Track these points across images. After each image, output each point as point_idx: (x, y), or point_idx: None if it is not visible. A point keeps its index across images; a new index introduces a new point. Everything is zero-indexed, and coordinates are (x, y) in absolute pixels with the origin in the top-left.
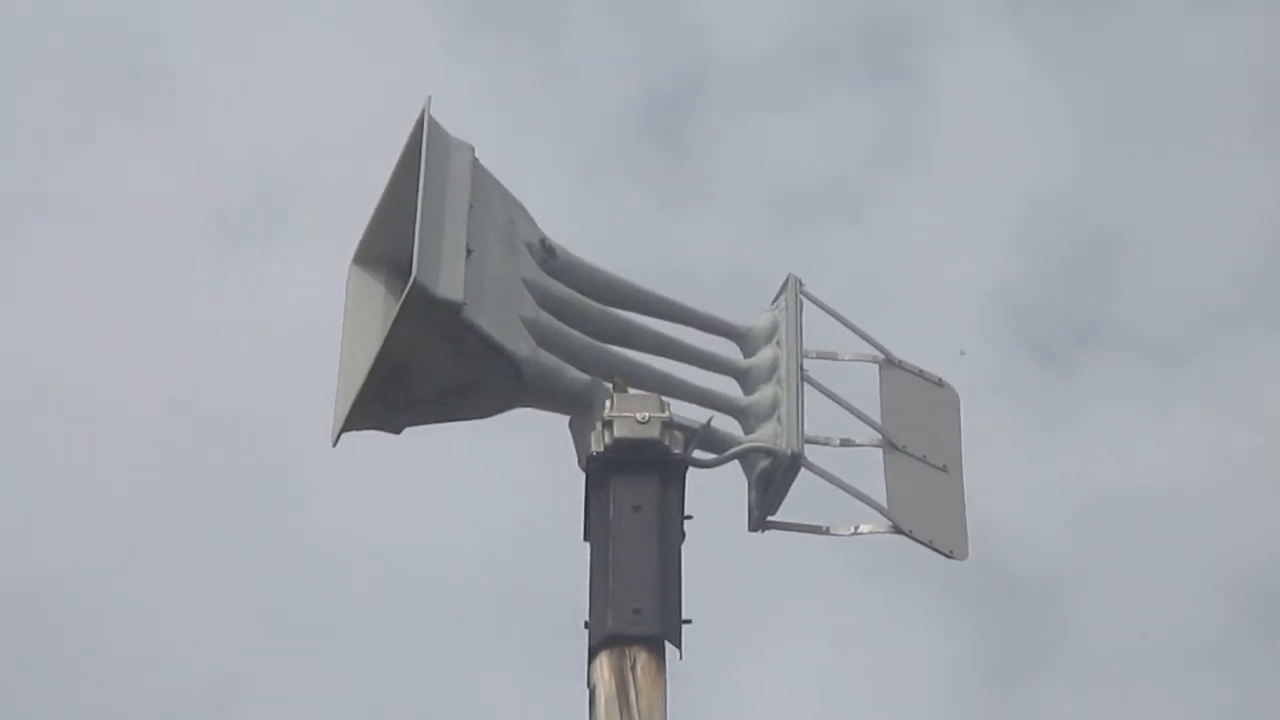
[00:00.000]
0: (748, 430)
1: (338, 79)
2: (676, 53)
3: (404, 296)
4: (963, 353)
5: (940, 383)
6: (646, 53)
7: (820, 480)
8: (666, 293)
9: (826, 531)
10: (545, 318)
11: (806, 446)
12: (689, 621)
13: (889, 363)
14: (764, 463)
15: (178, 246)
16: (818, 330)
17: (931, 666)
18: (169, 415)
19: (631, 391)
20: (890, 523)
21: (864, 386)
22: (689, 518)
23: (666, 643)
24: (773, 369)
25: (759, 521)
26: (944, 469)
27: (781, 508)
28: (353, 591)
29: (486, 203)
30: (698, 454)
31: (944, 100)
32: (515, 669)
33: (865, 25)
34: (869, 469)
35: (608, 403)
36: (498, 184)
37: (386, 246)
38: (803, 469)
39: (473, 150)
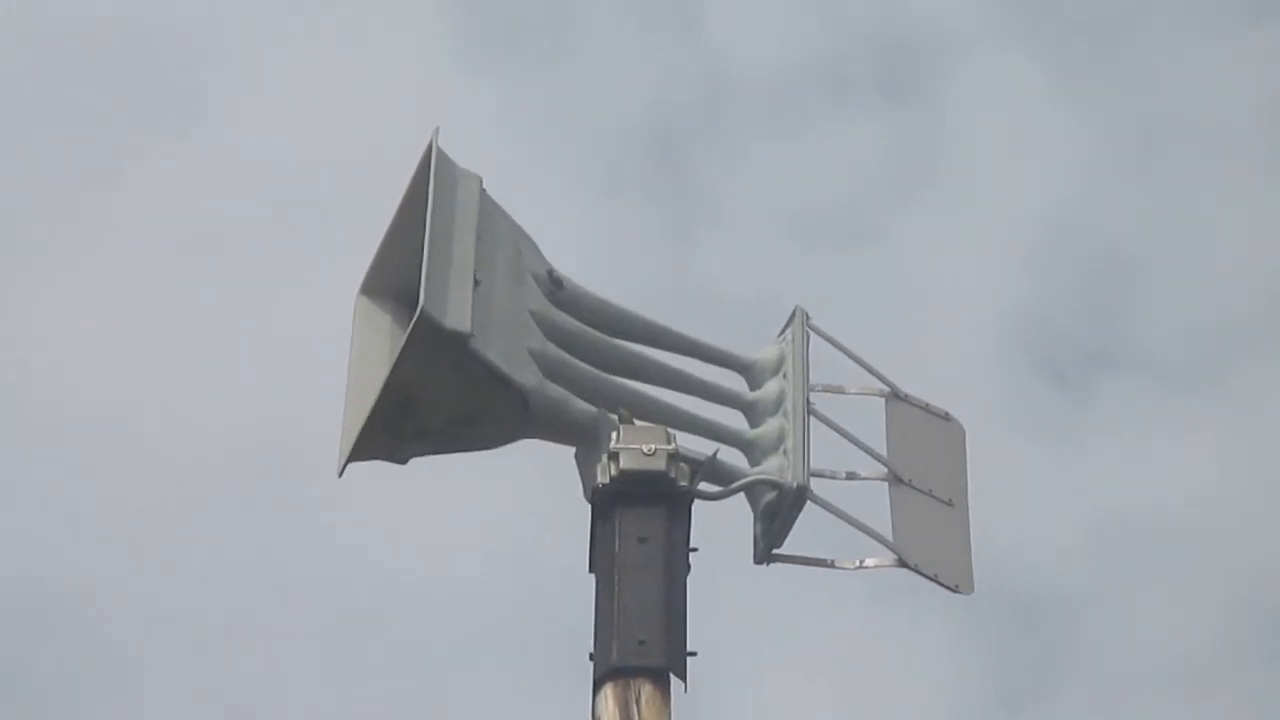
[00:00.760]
0: (753, 463)
1: (353, 100)
2: (688, 75)
3: (411, 327)
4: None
5: (947, 417)
6: (658, 74)
7: (826, 514)
8: (674, 322)
9: (832, 565)
10: (552, 349)
11: (812, 480)
12: (694, 654)
13: (895, 396)
14: (770, 495)
15: (195, 260)
16: (824, 363)
17: (942, 692)
18: (189, 435)
19: (638, 423)
20: (896, 556)
21: (870, 420)
22: (695, 550)
23: (671, 675)
24: (779, 402)
25: (764, 554)
26: (950, 503)
27: (787, 541)
28: (359, 621)
29: (494, 233)
30: (704, 486)
31: (957, 122)
32: (520, 700)
33: (878, 47)
34: (875, 503)
35: (614, 434)
36: (505, 215)
37: (394, 277)
38: (808, 502)
39: (480, 181)
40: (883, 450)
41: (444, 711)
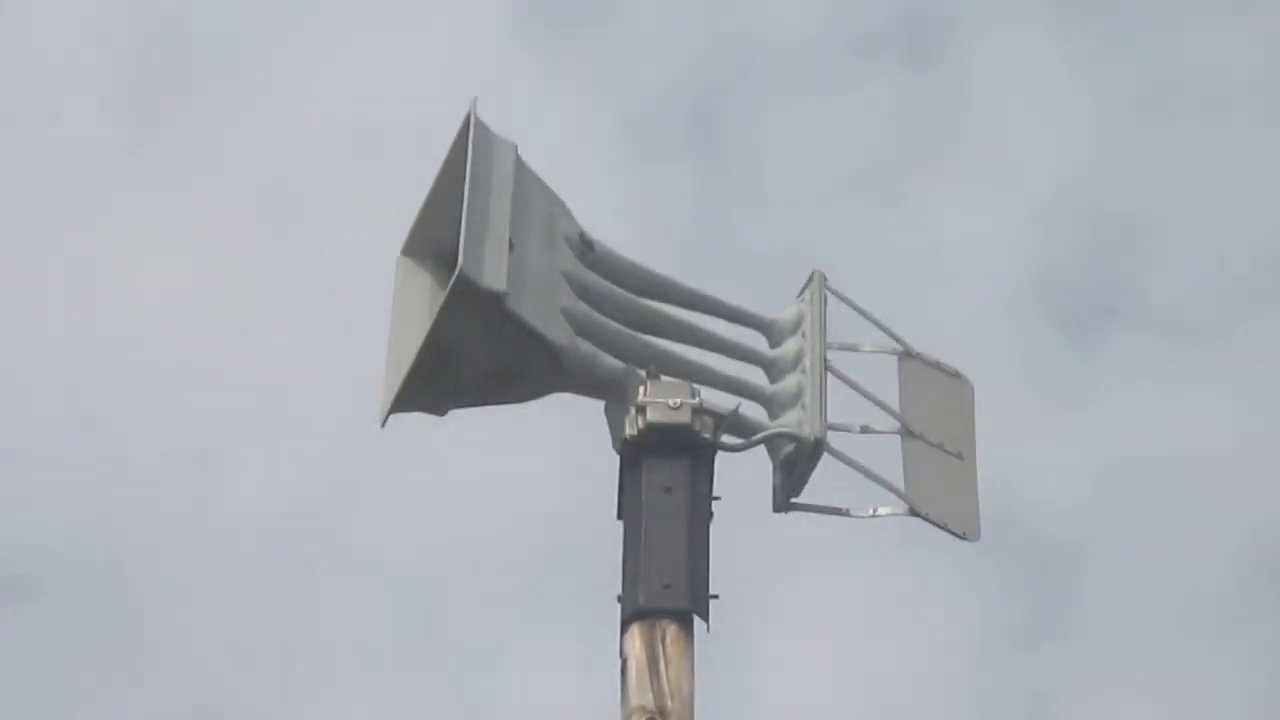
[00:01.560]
0: (773, 417)
1: (404, 69)
2: (723, 42)
3: (450, 286)
4: None
5: (957, 374)
6: (693, 43)
7: (842, 465)
8: (701, 282)
9: (846, 513)
10: (583, 308)
11: (829, 433)
12: (716, 597)
13: (908, 355)
14: (788, 448)
15: (248, 220)
16: (841, 322)
17: (956, 633)
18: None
19: (664, 379)
20: (907, 506)
21: (884, 377)
22: (717, 499)
23: (695, 616)
24: (797, 359)
25: (783, 503)
26: (959, 456)
27: (804, 490)
28: (403, 567)
29: (528, 199)
30: (726, 439)
31: (975, 89)
32: (554, 639)
33: (903, 17)
34: (888, 455)
35: (641, 389)
36: (539, 181)
37: (433, 239)
38: (825, 454)
39: (515, 148)
40: (896, 405)
41: (486, 649)
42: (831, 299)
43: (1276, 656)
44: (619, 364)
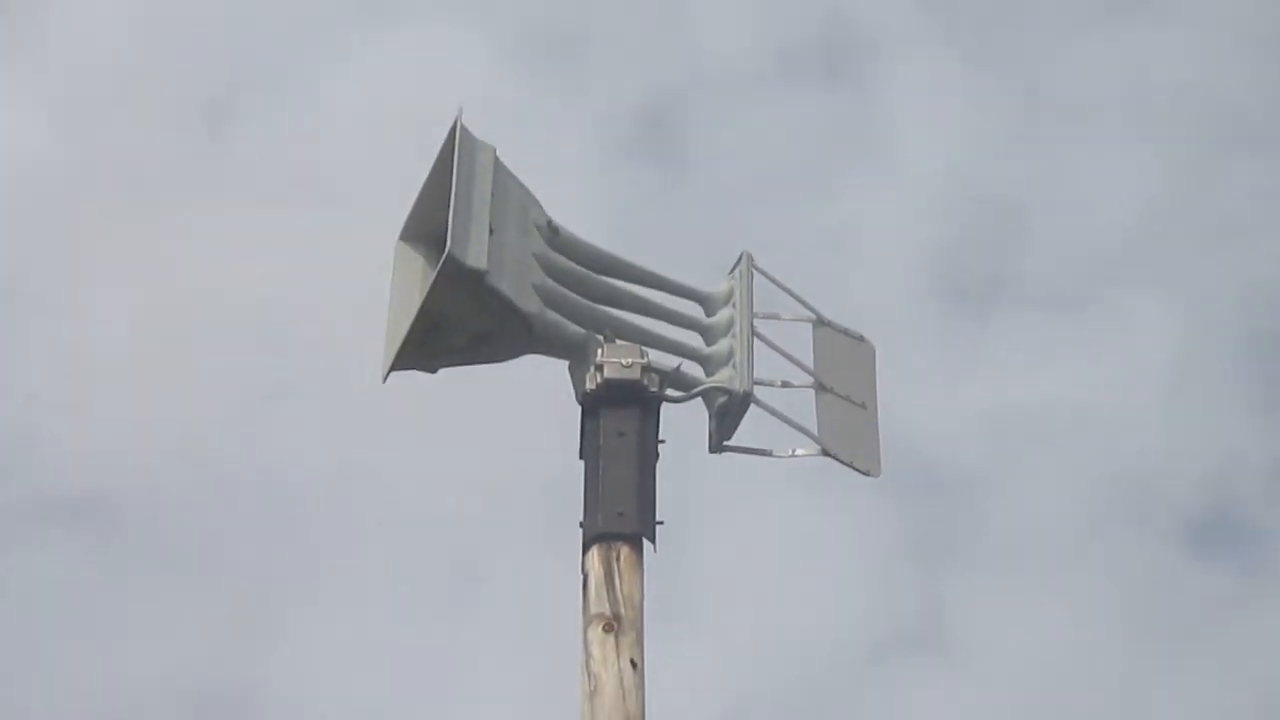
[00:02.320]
0: (709, 374)
1: (406, 86)
2: (675, 62)
3: (440, 265)
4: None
5: (861, 338)
6: (651, 61)
7: (766, 414)
8: (650, 262)
9: (770, 454)
10: (550, 284)
11: (755, 387)
12: (661, 523)
13: (820, 322)
14: (722, 399)
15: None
16: (765, 295)
17: (863, 553)
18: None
19: (618, 342)
20: (820, 447)
21: (801, 341)
22: (663, 442)
23: (644, 539)
24: (729, 326)
25: (717, 445)
26: (863, 406)
27: (735, 435)
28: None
29: (505, 192)
30: (670, 392)
31: (883, 98)
32: (528, 559)
33: (823, 40)
34: (804, 406)
35: (599, 351)
36: (514, 177)
37: (426, 226)
38: (752, 405)
39: (494, 150)
40: (810, 364)
41: (475, 567)
42: (757, 275)
43: (1128, 567)
44: (581, 330)
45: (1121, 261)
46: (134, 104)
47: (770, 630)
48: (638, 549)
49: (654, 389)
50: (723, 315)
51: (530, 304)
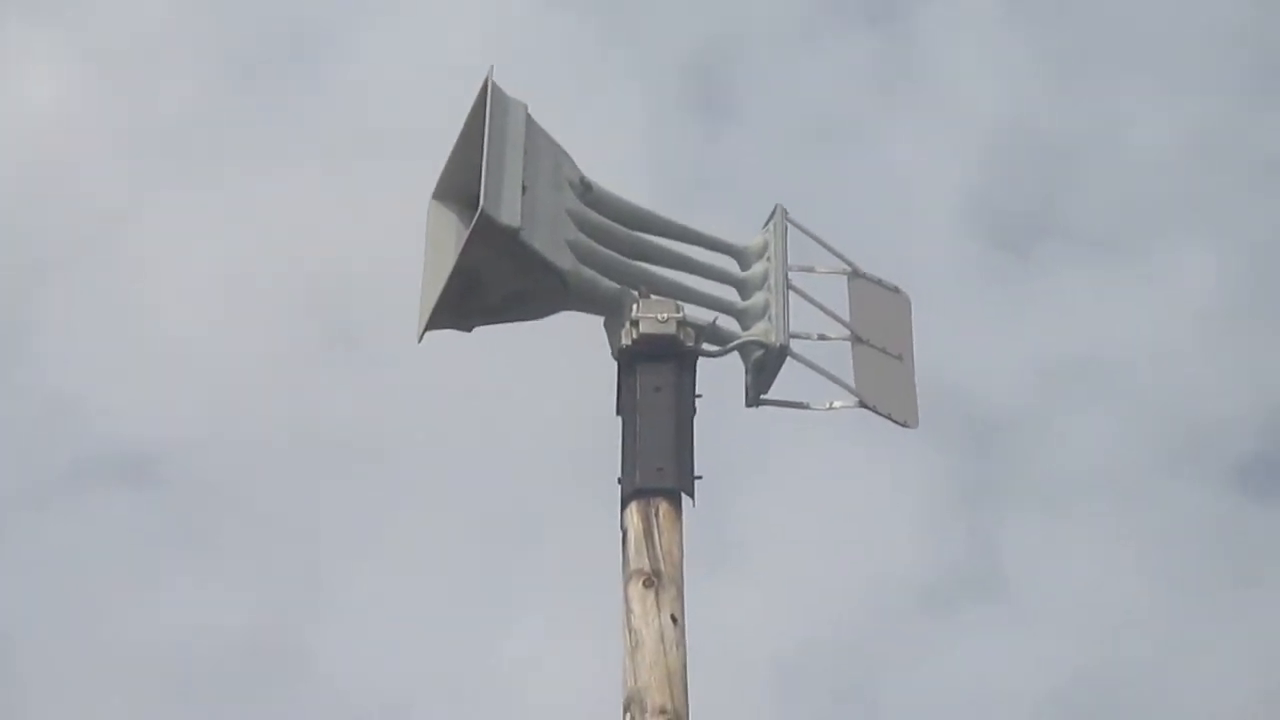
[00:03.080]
0: (745, 327)
1: (442, 40)
2: (720, 9)
3: (474, 223)
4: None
5: (896, 290)
6: (695, 8)
7: (802, 367)
8: (685, 215)
9: (807, 406)
10: (584, 240)
11: (791, 340)
12: (700, 477)
13: (856, 274)
14: (758, 353)
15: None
16: (801, 248)
17: (907, 502)
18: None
19: (653, 297)
20: (858, 399)
21: (836, 293)
22: (700, 396)
23: (683, 494)
24: (764, 279)
25: (754, 399)
26: (899, 358)
27: (771, 388)
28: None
29: (537, 149)
30: (706, 346)
31: (928, 41)
32: (567, 515)
33: None
34: (841, 359)
35: (634, 306)
36: (546, 134)
37: (459, 184)
38: (788, 358)
39: (526, 108)
40: (846, 317)
41: (520, 522)
42: (791, 228)
43: (1183, 510)
44: (615, 286)
45: (1168, 204)
46: (177, 64)
47: (814, 582)
48: (676, 504)
49: (690, 344)
50: (757, 269)
51: (564, 260)
